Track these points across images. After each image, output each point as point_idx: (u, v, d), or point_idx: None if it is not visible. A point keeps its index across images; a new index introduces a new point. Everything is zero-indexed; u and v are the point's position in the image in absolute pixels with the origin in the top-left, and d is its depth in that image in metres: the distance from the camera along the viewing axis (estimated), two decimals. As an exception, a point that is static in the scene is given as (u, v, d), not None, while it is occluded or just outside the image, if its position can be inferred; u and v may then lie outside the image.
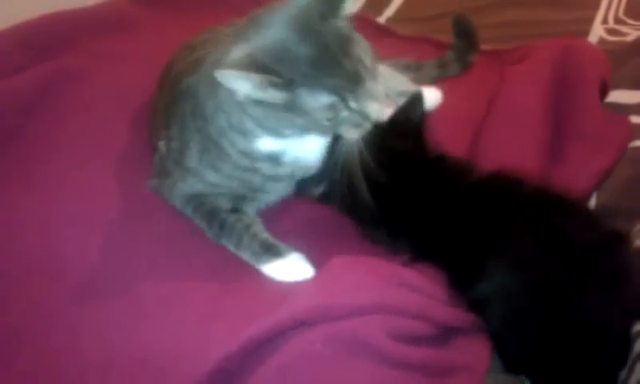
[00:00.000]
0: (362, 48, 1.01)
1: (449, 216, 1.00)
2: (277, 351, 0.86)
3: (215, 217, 1.14)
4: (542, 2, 1.93)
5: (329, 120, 0.99)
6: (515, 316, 0.91)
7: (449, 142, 1.34)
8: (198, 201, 1.16)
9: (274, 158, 1.10)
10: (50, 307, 1.05)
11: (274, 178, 1.13)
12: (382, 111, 1.02)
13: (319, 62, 0.95)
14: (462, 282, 0.95)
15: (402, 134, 1.11)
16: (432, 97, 1.43)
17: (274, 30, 0.97)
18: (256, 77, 0.94)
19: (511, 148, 1.26)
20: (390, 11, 2.03)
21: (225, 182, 1.13)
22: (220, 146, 1.10)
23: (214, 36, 1.27)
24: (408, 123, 1.13)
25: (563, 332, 0.88)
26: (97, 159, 1.30)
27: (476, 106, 1.44)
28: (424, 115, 1.16)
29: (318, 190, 1.12)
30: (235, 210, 1.15)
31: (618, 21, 1.79)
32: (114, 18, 1.73)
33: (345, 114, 0.99)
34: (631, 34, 1.72)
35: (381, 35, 1.82)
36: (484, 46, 1.63)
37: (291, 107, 0.97)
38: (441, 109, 1.45)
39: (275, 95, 0.97)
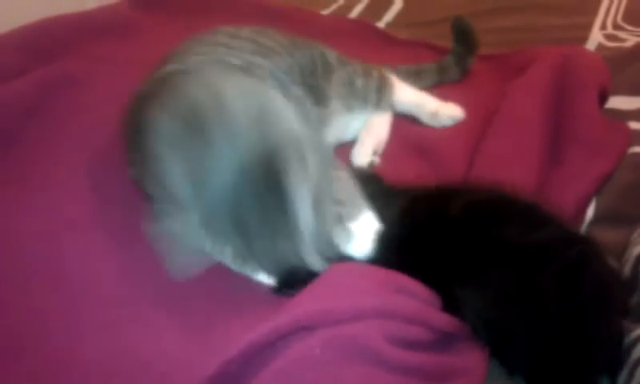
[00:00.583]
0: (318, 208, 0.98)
1: (414, 253, 1.01)
2: (277, 356, 0.86)
3: None
4: (540, 7, 1.94)
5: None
6: (497, 333, 0.91)
7: (448, 147, 1.36)
8: None
9: None
10: (51, 311, 1.05)
11: None
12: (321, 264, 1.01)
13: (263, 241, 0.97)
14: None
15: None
16: (453, 112, 1.44)
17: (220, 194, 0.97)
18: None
19: (510, 157, 1.27)
20: (389, 16, 2.03)
21: None
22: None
23: (187, 45, 1.29)
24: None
25: (537, 333, 0.88)
26: (97, 163, 1.30)
27: (475, 111, 1.44)
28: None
29: None
30: None
31: (616, 27, 1.80)
32: (114, 22, 1.74)
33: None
34: (630, 39, 1.73)
35: (380, 40, 1.83)
36: (483, 51, 1.64)
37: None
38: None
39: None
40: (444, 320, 0.93)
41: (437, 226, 1.00)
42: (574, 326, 0.88)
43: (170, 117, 1.03)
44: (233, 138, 0.97)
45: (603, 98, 1.44)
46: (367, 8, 2.09)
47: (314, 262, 0.99)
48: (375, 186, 1.11)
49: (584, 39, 1.75)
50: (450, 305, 0.95)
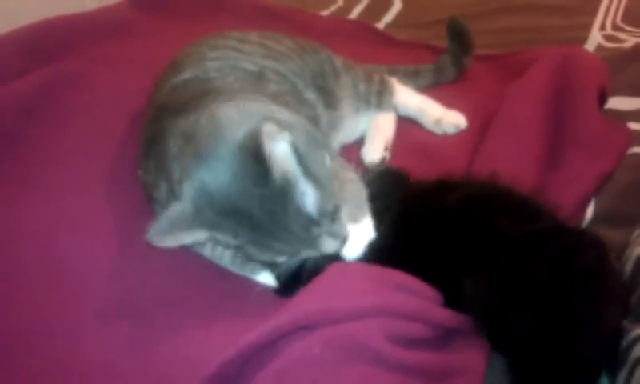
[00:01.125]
0: (314, 196, 0.95)
1: (417, 244, 1.01)
2: (276, 355, 0.86)
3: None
4: (540, 8, 1.95)
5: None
6: (493, 319, 0.92)
7: (449, 148, 1.36)
8: None
9: None
10: (51, 311, 1.05)
11: None
12: (340, 247, 1.00)
13: (268, 231, 0.94)
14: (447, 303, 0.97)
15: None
16: (457, 121, 1.44)
17: (220, 180, 0.95)
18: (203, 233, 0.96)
19: (510, 157, 1.27)
20: (388, 17, 2.04)
21: None
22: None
23: (198, 50, 1.28)
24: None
25: (528, 318, 0.89)
26: (97, 163, 1.30)
27: (475, 112, 1.45)
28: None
29: None
30: None
31: (615, 27, 1.80)
32: (113, 23, 1.74)
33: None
34: (629, 40, 1.73)
35: (379, 41, 1.83)
36: (483, 52, 1.64)
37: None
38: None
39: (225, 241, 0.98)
40: (444, 315, 0.93)
41: (433, 218, 1.01)
42: (562, 312, 0.88)
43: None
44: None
45: (603, 98, 1.44)
46: (367, 9, 2.10)
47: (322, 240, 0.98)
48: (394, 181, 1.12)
49: (583, 40, 1.75)
50: (448, 296, 0.95)
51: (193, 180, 0.96)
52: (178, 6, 1.91)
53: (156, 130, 1.14)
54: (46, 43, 1.61)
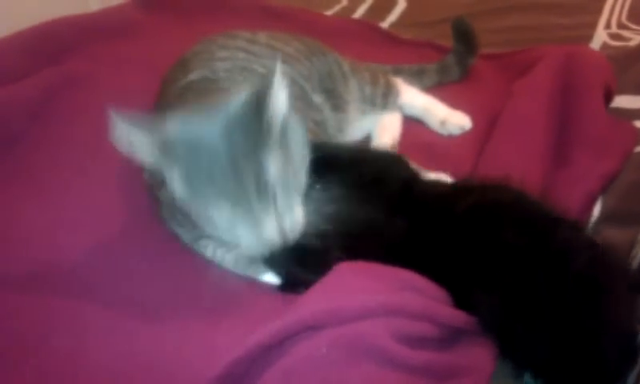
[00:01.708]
0: (284, 169, 0.96)
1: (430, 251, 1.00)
2: (284, 355, 0.86)
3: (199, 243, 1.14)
4: (544, 7, 1.94)
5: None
6: (509, 338, 0.92)
7: (455, 148, 1.36)
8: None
9: None
10: (55, 313, 1.05)
11: None
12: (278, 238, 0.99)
13: (223, 180, 0.94)
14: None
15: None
16: (462, 122, 1.44)
17: (197, 125, 0.96)
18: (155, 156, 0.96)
19: (515, 157, 1.27)
20: (393, 16, 2.04)
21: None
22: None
23: (207, 48, 1.28)
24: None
25: (536, 329, 0.89)
26: (102, 164, 1.29)
27: (480, 111, 1.44)
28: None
29: None
30: None
31: (621, 26, 1.80)
32: (118, 24, 1.74)
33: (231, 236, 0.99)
34: (634, 38, 1.73)
35: (384, 40, 1.83)
36: (488, 51, 1.64)
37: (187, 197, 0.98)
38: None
39: (174, 179, 0.97)
40: (451, 315, 0.92)
41: (444, 223, 1.00)
42: (567, 323, 0.87)
43: None
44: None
45: (608, 97, 1.44)
46: (371, 8, 2.09)
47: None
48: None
49: (588, 38, 1.74)
50: (456, 298, 0.95)
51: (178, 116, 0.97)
52: (182, 5, 1.91)
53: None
54: (50, 44, 1.61)
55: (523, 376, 0.92)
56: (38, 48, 1.58)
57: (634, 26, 1.79)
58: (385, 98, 1.44)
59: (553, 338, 0.88)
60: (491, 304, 0.91)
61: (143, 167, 1.14)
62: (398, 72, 1.54)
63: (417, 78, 1.55)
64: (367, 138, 1.43)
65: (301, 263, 1.03)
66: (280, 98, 0.95)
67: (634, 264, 1.03)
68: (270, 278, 1.07)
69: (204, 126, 0.96)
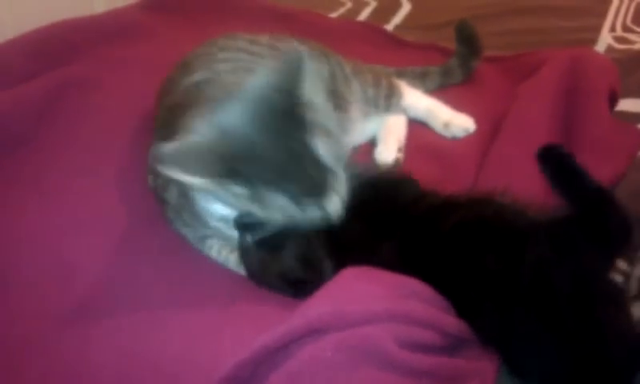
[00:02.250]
0: (328, 143, 0.98)
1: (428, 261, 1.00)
2: (290, 358, 0.86)
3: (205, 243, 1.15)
4: (549, 10, 1.94)
5: (285, 218, 0.99)
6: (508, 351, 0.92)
7: (460, 150, 1.36)
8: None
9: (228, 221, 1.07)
10: (60, 314, 1.05)
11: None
12: (340, 211, 1.00)
13: (283, 167, 0.95)
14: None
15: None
16: (466, 124, 1.43)
17: (233, 118, 0.96)
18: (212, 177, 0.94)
19: (519, 160, 1.26)
20: (397, 19, 2.04)
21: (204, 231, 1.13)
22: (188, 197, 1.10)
23: (208, 50, 1.28)
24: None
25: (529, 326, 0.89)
26: (106, 166, 1.30)
27: (485, 113, 1.44)
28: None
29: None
30: None
31: (626, 29, 1.80)
32: (123, 26, 1.75)
33: (301, 217, 0.98)
34: (639, 42, 1.72)
35: (388, 43, 1.83)
36: (493, 54, 1.64)
37: (250, 198, 0.97)
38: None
39: (233, 189, 0.96)
40: (456, 325, 0.92)
41: (431, 241, 1.00)
42: (562, 332, 0.88)
43: None
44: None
45: (613, 100, 1.43)
46: (375, 11, 2.10)
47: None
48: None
49: (593, 41, 1.75)
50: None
51: (206, 119, 0.96)
52: (186, 7, 1.92)
53: (169, 132, 1.14)
54: (55, 46, 1.61)
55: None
56: (43, 50, 1.58)
57: (639, 29, 1.79)
58: (388, 100, 1.44)
59: (553, 350, 0.88)
60: (482, 322, 0.92)
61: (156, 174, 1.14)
62: (401, 74, 1.54)
63: (420, 80, 1.55)
64: (371, 143, 1.42)
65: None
66: (311, 76, 0.97)
67: (638, 268, 1.03)
68: None
69: (243, 122, 0.95)
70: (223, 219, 1.07)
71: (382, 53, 1.73)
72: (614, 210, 1.00)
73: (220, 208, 1.05)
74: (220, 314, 1.02)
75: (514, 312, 0.90)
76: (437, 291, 0.95)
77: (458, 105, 1.47)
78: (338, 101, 1.34)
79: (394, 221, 1.03)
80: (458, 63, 1.58)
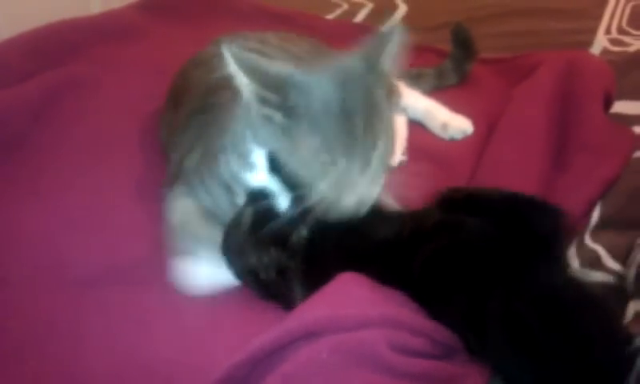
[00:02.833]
0: (386, 128, 0.99)
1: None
2: (284, 360, 0.86)
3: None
4: (545, 12, 1.95)
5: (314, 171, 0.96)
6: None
7: (456, 151, 1.36)
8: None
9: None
10: (55, 315, 1.05)
11: None
12: (353, 210, 0.98)
13: (338, 121, 0.94)
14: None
15: None
16: (464, 126, 1.43)
17: (311, 68, 0.98)
18: (255, 82, 0.94)
19: (514, 161, 1.27)
20: (393, 21, 2.04)
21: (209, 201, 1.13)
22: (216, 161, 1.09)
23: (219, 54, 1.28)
24: None
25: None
26: (102, 167, 1.30)
27: (481, 115, 1.45)
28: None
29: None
30: None
31: (621, 31, 1.81)
32: (120, 26, 1.75)
33: (330, 177, 0.96)
34: (634, 44, 1.73)
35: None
36: (488, 56, 1.64)
37: (284, 131, 0.96)
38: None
39: (273, 114, 0.95)
40: (447, 335, 0.92)
41: (393, 246, 0.99)
42: (548, 346, 0.86)
43: None
44: None
45: (608, 102, 1.44)
46: (371, 12, 2.10)
47: None
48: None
49: (589, 43, 1.75)
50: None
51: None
52: (183, 8, 1.92)
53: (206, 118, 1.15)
54: (52, 47, 1.61)
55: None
56: (39, 50, 1.59)
57: (634, 32, 1.80)
58: (387, 101, 1.44)
59: (541, 364, 0.86)
60: (468, 344, 0.91)
61: None
62: (395, 76, 1.54)
63: (414, 81, 1.55)
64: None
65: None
66: (391, 57, 1.00)
67: (632, 269, 1.03)
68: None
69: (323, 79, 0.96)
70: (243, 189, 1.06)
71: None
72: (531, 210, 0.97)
73: (259, 178, 1.04)
74: (214, 315, 1.02)
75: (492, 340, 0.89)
76: None
77: (453, 106, 1.47)
78: None
79: (366, 256, 1.01)
80: (452, 66, 1.59)
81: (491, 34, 1.79)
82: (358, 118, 0.95)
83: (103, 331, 1.02)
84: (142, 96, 1.37)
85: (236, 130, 1.05)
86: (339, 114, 0.94)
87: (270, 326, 0.89)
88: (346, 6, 2.15)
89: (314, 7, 2.12)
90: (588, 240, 1.14)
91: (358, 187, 0.96)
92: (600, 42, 1.76)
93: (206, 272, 1.07)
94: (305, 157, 0.95)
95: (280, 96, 0.94)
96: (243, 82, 0.95)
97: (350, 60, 1.00)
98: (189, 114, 1.20)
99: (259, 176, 1.04)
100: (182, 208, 1.12)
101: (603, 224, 1.18)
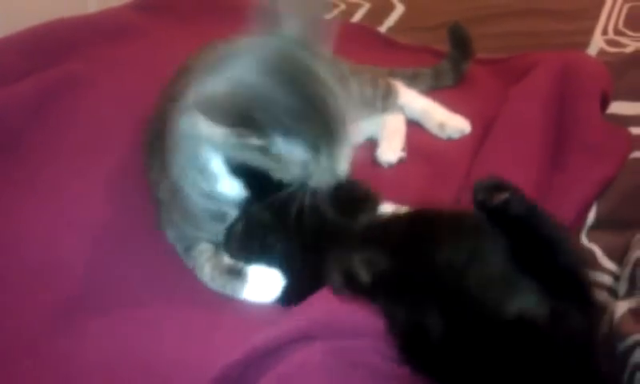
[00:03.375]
0: (337, 99, 0.98)
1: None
2: (280, 361, 0.86)
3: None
4: (542, 12, 1.95)
5: (300, 170, 0.97)
6: None
7: (452, 151, 1.36)
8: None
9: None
10: (51, 314, 1.05)
11: None
12: (346, 170, 1.00)
13: (298, 113, 0.94)
14: None
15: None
16: (461, 126, 1.43)
17: (248, 72, 0.96)
18: (229, 126, 0.92)
19: (510, 162, 1.27)
20: (390, 21, 2.04)
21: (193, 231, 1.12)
22: (181, 190, 1.08)
23: (213, 56, 1.27)
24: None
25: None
26: (99, 166, 1.30)
27: (477, 115, 1.44)
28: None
29: None
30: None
31: (617, 32, 1.81)
32: (117, 25, 1.74)
33: (315, 168, 0.97)
34: (631, 45, 1.73)
35: (381, 44, 1.83)
36: (485, 56, 1.64)
37: (266, 151, 0.95)
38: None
39: (249, 141, 0.94)
40: None
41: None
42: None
43: None
44: None
45: (605, 103, 1.44)
46: (369, 12, 2.10)
47: None
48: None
49: (585, 44, 1.75)
50: None
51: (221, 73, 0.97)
52: (179, 8, 1.91)
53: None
54: (49, 45, 1.61)
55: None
56: (36, 49, 1.58)
57: (630, 33, 1.80)
58: (385, 100, 1.44)
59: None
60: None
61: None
62: (392, 75, 1.54)
63: (411, 82, 1.55)
64: (368, 142, 1.42)
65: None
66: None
67: (627, 268, 1.04)
68: (250, 294, 1.06)
69: (257, 72, 0.95)
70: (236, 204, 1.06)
71: (374, 54, 1.73)
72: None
73: (229, 186, 1.04)
74: (211, 315, 1.02)
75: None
76: None
77: (450, 106, 1.47)
78: None
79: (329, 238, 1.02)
80: (449, 66, 1.58)
81: (487, 34, 1.79)
82: (309, 96, 0.95)
83: (100, 331, 1.02)
84: (138, 95, 1.37)
85: (187, 147, 1.05)
86: (301, 106, 0.94)
87: (266, 327, 0.89)
88: (343, 6, 2.15)
89: (312, 7, 2.11)
90: (584, 239, 1.15)
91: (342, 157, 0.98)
92: (597, 43, 1.76)
93: (268, 275, 1.06)
94: (292, 160, 0.96)
95: (249, 124, 0.93)
96: (216, 133, 0.94)
97: (281, 48, 0.99)
98: (153, 139, 1.19)
99: (224, 184, 1.04)
100: (200, 266, 1.11)
101: (599, 224, 1.18)
